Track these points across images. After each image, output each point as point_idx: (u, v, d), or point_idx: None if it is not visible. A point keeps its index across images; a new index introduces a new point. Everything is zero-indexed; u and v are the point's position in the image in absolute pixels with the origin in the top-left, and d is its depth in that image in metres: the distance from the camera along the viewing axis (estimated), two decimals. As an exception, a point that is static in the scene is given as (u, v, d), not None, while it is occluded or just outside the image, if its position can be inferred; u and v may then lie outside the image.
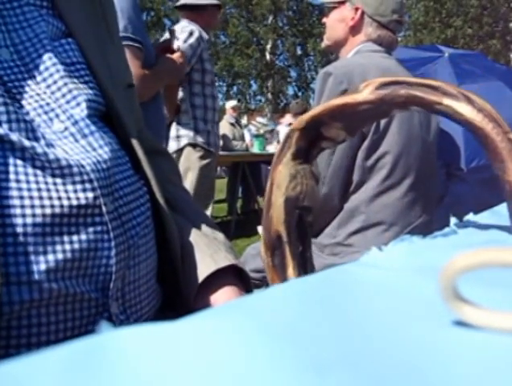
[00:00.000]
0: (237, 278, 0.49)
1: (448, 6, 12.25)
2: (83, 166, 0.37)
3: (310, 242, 0.35)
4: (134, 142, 0.47)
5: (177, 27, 1.96)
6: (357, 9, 1.15)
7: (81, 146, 0.39)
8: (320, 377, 0.12)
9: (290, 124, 4.91)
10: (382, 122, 1.03)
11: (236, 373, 0.12)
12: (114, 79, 0.47)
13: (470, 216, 0.36)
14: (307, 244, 0.34)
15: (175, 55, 1.54)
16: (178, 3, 2.11)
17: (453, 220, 0.34)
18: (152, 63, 1.45)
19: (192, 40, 1.91)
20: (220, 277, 0.47)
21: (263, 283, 1.24)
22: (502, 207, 0.36)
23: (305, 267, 0.34)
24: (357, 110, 0.31)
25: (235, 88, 16.31)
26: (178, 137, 1.99)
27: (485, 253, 0.15)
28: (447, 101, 0.28)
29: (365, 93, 0.30)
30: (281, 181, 0.33)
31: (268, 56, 15.13)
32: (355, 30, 1.16)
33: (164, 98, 1.64)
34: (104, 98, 0.44)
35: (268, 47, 14.98)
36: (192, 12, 2.04)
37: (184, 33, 1.92)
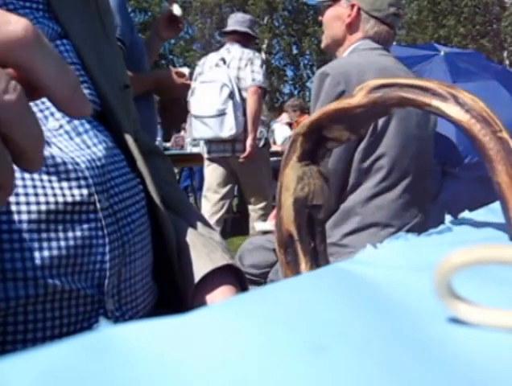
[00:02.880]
0: (234, 278, 0.49)
1: (442, 5, 12.30)
2: (77, 164, 0.37)
3: (323, 237, 0.36)
4: (130, 142, 0.47)
5: (235, 51, 2.31)
6: (352, 6, 1.13)
7: (76, 144, 0.39)
8: (317, 363, 0.12)
9: (287, 123, 4.91)
10: (380, 124, 1.03)
11: (235, 361, 0.12)
12: (110, 79, 0.47)
13: (465, 214, 0.36)
14: (320, 240, 0.36)
15: (178, 75, 1.51)
16: (229, 29, 2.39)
17: (448, 218, 0.34)
18: (141, 64, 1.44)
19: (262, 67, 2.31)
20: (217, 276, 0.47)
21: (260, 278, 1.24)
22: (497, 205, 0.36)
23: (317, 261, 0.36)
24: (353, 113, 0.32)
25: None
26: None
27: (479, 250, 0.15)
28: (435, 102, 0.29)
29: (359, 97, 0.31)
30: (289, 183, 0.35)
31: (264, 56, 15.15)
32: (352, 27, 1.14)
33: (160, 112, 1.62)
34: (99, 98, 0.45)
35: (264, 46, 14.98)
36: (241, 36, 2.35)
37: (257, 60, 2.31)
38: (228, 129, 2.23)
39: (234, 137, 2.25)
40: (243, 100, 2.26)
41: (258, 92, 2.26)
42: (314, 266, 0.35)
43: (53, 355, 0.12)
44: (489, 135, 0.28)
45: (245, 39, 2.37)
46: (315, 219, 0.35)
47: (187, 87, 1.58)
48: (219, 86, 2.21)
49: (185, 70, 1.57)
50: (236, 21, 2.39)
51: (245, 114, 2.27)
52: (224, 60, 2.30)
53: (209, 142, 2.35)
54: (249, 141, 2.28)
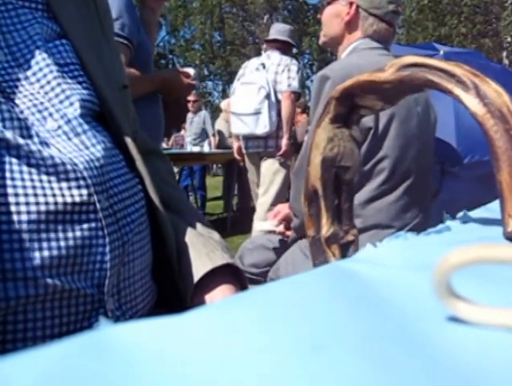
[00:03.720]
0: (233, 277, 0.49)
1: (443, 4, 12.30)
2: (76, 164, 0.37)
3: (349, 197, 0.38)
4: (129, 142, 0.47)
5: (275, 58, 2.57)
6: (351, 3, 1.11)
7: (74, 145, 0.39)
8: (316, 362, 0.12)
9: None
10: (381, 127, 1.01)
11: (235, 365, 0.12)
12: (109, 79, 0.47)
13: (464, 213, 0.36)
14: (345, 199, 0.38)
15: (184, 75, 1.51)
16: (270, 38, 2.69)
17: (447, 217, 0.34)
18: (148, 64, 1.44)
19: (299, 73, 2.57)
20: (216, 276, 0.47)
21: (260, 278, 1.24)
22: (496, 204, 0.36)
23: (340, 219, 0.38)
24: (382, 87, 0.33)
25: (231, 87, 16.35)
26: None
27: (478, 250, 0.15)
28: (457, 91, 0.29)
29: (388, 73, 0.32)
30: (319, 142, 0.37)
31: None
32: (351, 25, 1.12)
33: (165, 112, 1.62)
34: (98, 98, 0.45)
35: (264, 45, 14.99)
36: (282, 44, 2.64)
37: (294, 66, 2.55)
38: (262, 126, 2.49)
39: (267, 134, 2.51)
40: (278, 101, 2.52)
41: (292, 96, 2.53)
42: (335, 223, 0.37)
43: (53, 355, 0.12)
44: (500, 132, 0.28)
45: (284, 47, 2.66)
46: (342, 179, 0.37)
47: (193, 87, 1.59)
48: (257, 88, 2.49)
49: (190, 70, 1.57)
50: (277, 30, 2.69)
51: (278, 114, 2.53)
52: (263, 65, 2.58)
53: (246, 139, 2.61)
54: (284, 141, 2.54)
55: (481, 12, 12.33)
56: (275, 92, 2.51)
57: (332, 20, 1.16)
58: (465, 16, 12.17)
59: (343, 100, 0.35)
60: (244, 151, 2.69)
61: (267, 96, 2.48)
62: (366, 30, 1.11)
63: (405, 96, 0.34)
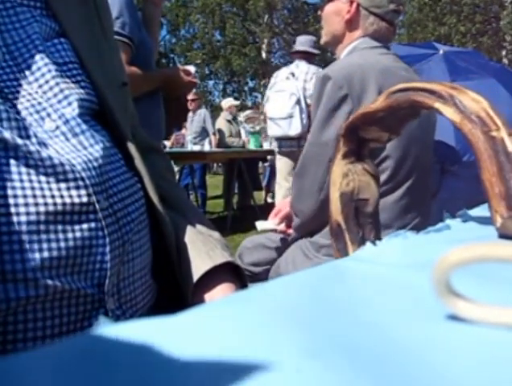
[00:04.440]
0: (234, 275, 0.49)
1: (442, 3, 12.28)
2: (74, 165, 0.37)
3: (374, 228, 0.40)
4: (127, 140, 0.47)
5: (302, 67, 2.91)
6: (351, 1, 1.10)
7: (72, 145, 0.39)
8: (314, 364, 0.12)
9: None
10: None
11: (235, 360, 0.12)
12: (108, 77, 0.47)
13: (464, 212, 0.36)
14: (369, 230, 0.39)
15: (185, 73, 1.50)
16: (298, 49, 3.05)
17: (447, 216, 0.34)
18: (149, 62, 1.43)
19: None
20: (216, 274, 0.47)
21: (259, 276, 1.24)
22: (496, 203, 0.36)
23: None
24: (378, 117, 0.35)
25: (232, 86, 16.33)
26: None
27: (478, 248, 0.15)
28: (437, 104, 0.32)
29: (379, 102, 0.35)
30: (335, 179, 0.39)
31: (264, 55, 15.12)
32: (352, 24, 1.11)
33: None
34: (97, 97, 0.44)
35: (264, 45, 14.96)
36: (306, 54, 3.02)
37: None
38: (295, 128, 2.86)
39: (300, 135, 2.85)
40: (307, 106, 2.83)
41: None
42: None
43: (51, 353, 0.12)
44: (478, 134, 0.29)
45: (309, 56, 3.05)
46: (363, 211, 0.39)
47: (194, 85, 1.59)
48: (288, 94, 2.86)
49: (191, 68, 1.57)
50: (300, 42, 3.09)
51: (309, 117, 2.79)
52: (293, 74, 2.95)
53: (280, 139, 2.97)
54: None
55: (480, 11, 12.32)
56: (305, 98, 2.87)
57: (332, 18, 1.15)
58: (465, 15, 12.16)
59: (350, 136, 0.38)
60: (277, 150, 3.05)
61: (298, 102, 2.84)
62: (367, 29, 1.11)
63: (406, 123, 0.36)
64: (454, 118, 0.31)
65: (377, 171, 0.40)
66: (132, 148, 0.47)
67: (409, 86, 0.34)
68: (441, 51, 1.99)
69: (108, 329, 0.14)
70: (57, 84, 0.41)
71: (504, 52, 12.21)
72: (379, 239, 0.39)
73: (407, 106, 0.33)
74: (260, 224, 1.19)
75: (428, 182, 1.16)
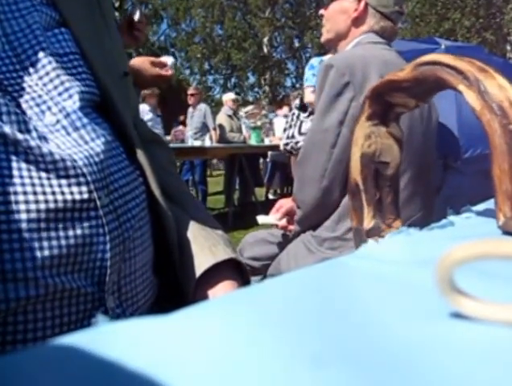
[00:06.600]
0: (236, 272, 0.49)
1: (445, -2, 12.22)
2: (75, 161, 0.36)
3: (392, 191, 0.40)
4: (129, 131, 0.46)
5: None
6: (359, 0, 1.13)
7: (73, 140, 0.38)
8: (315, 366, 0.12)
9: (285, 115, 4.92)
10: None
11: (234, 363, 0.12)
12: (110, 67, 0.46)
13: (467, 208, 0.36)
14: (387, 193, 0.40)
15: (158, 65, 1.41)
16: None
17: (450, 212, 0.34)
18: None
19: None
20: (218, 271, 0.46)
21: (260, 271, 1.24)
22: (499, 199, 0.36)
23: (382, 212, 0.39)
24: (403, 86, 0.34)
25: (232, 81, 16.29)
26: None
27: (481, 245, 0.15)
28: (461, 87, 0.31)
29: (405, 71, 0.34)
30: (357, 139, 0.39)
31: (265, 49, 15.08)
32: (358, 21, 1.13)
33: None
34: (98, 88, 0.43)
35: (265, 40, 14.91)
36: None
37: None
38: None
39: None
40: None
41: None
42: (376, 216, 0.39)
43: (50, 351, 0.12)
44: (496, 126, 0.28)
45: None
46: (383, 174, 0.39)
47: (167, 78, 1.46)
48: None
49: (168, 59, 1.47)
50: None
51: None
52: None
53: None
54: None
55: (484, 6, 12.24)
56: None
57: (338, 16, 1.16)
58: (468, 10, 12.09)
59: (376, 99, 0.37)
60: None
61: None
62: (373, 27, 1.13)
63: (433, 94, 0.35)
64: (475, 105, 0.29)
65: (402, 135, 0.39)
66: (134, 139, 0.46)
67: (437, 59, 0.32)
68: (443, 46, 1.98)
69: (103, 327, 0.14)
70: (58, 75, 0.40)
71: (508, 47, 12.15)
72: (397, 203, 0.40)
73: (432, 81, 0.32)
74: (261, 218, 1.19)
75: (430, 174, 1.17)
